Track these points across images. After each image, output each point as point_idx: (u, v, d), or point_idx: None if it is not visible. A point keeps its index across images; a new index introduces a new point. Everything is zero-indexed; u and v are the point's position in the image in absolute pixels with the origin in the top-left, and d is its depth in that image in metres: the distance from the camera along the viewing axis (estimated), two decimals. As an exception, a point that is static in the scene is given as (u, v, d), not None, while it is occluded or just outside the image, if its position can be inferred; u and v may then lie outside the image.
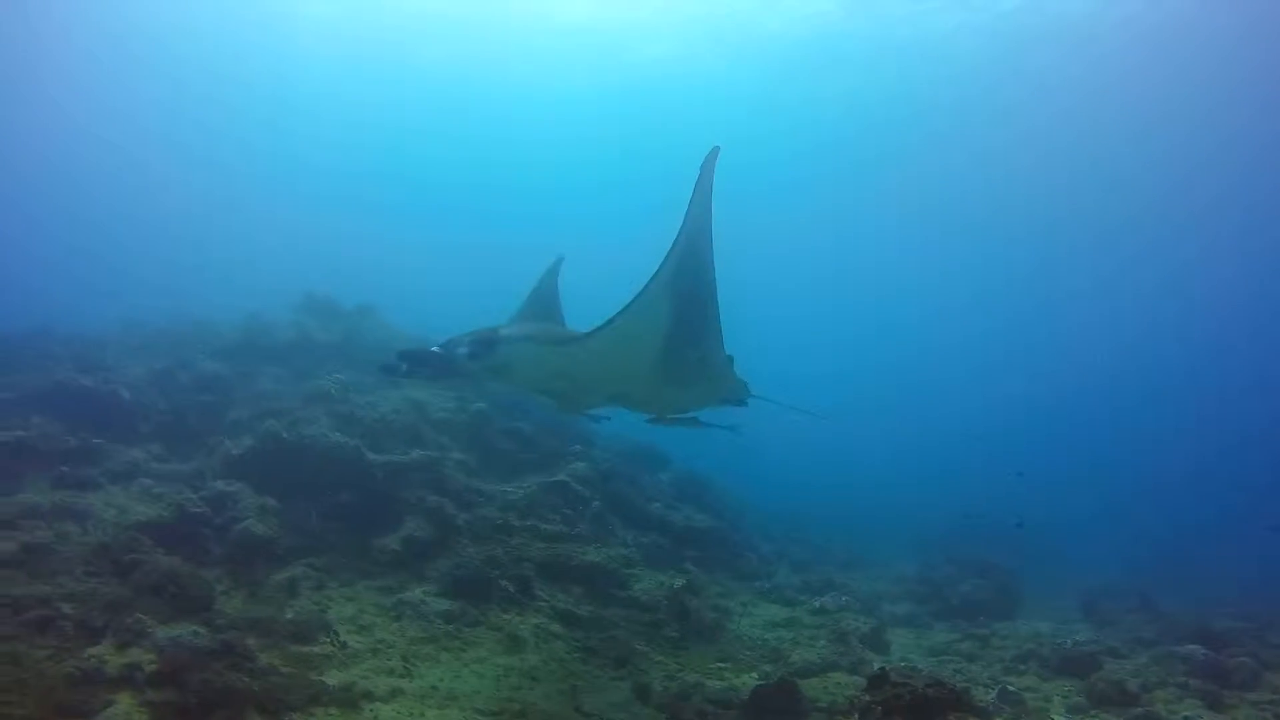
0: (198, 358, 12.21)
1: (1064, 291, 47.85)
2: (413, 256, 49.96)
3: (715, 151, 5.22)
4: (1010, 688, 7.88)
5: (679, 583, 9.17)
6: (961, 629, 10.68)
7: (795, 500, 19.06)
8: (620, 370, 6.10)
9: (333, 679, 5.97)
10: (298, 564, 7.87)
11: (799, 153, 43.66)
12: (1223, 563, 15.91)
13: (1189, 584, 13.93)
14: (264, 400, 10.62)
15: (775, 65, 33.89)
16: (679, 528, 11.56)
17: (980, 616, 11.19)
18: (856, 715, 6.01)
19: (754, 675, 7.69)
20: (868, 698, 5.74)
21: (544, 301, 7.77)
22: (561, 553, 8.95)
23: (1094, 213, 40.58)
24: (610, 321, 5.39)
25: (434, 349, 5.93)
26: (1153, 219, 39.18)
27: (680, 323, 5.64)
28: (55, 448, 9.17)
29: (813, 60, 32.83)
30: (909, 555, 14.98)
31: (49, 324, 13.94)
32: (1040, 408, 42.12)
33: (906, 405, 41.73)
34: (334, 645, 6.61)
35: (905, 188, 44.78)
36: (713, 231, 5.45)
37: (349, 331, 13.47)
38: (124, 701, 5.21)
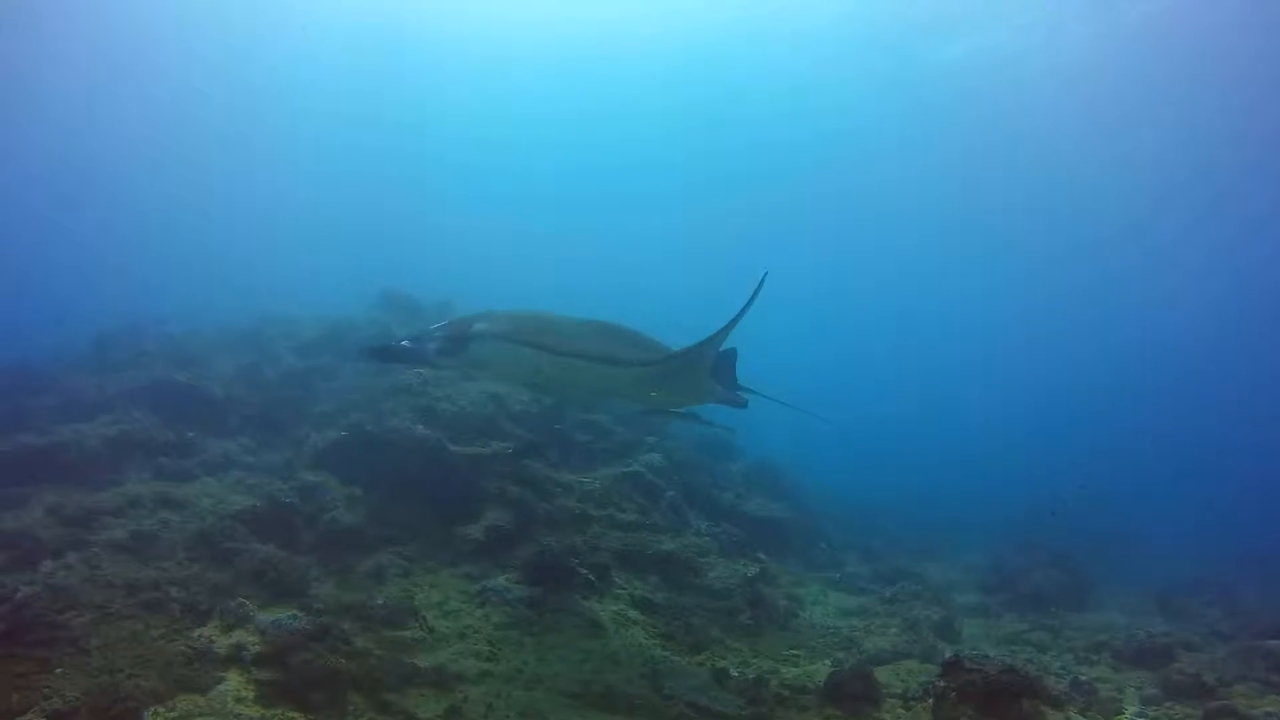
0: (283, 355, 12.66)
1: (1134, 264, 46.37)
2: (494, 247, 50.34)
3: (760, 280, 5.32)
4: (1082, 677, 7.84)
5: (752, 571, 9.25)
6: (1032, 619, 10.59)
7: (867, 491, 19.00)
8: (598, 385, 6.15)
9: (424, 661, 6.19)
10: (384, 552, 8.11)
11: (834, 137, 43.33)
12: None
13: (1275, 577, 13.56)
14: (348, 394, 10.95)
15: (806, 51, 33.86)
16: (751, 517, 11.64)
17: (1051, 607, 11.07)
18: (931, 701, 6.08)
19: (827, 662, 7.76)
20: (942, 683, 5.80)
21: None
22: (638, 541, 9.09)
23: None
24: (584, 358, 5.52)
25: (404, 343, 5.84)
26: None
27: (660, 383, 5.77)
28: (155, 440, 9.62)
29: (832, 48, 32.82)
30: (980, 545, 14.84)
31: (139, 322, 14.54)
32: (1121, 392, 41.19)
33: (972, 396, 41.09)
34: (423, 630, 6.83)
35: (950, 174, 44.02)
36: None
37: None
38: (233, 679, 5.52)
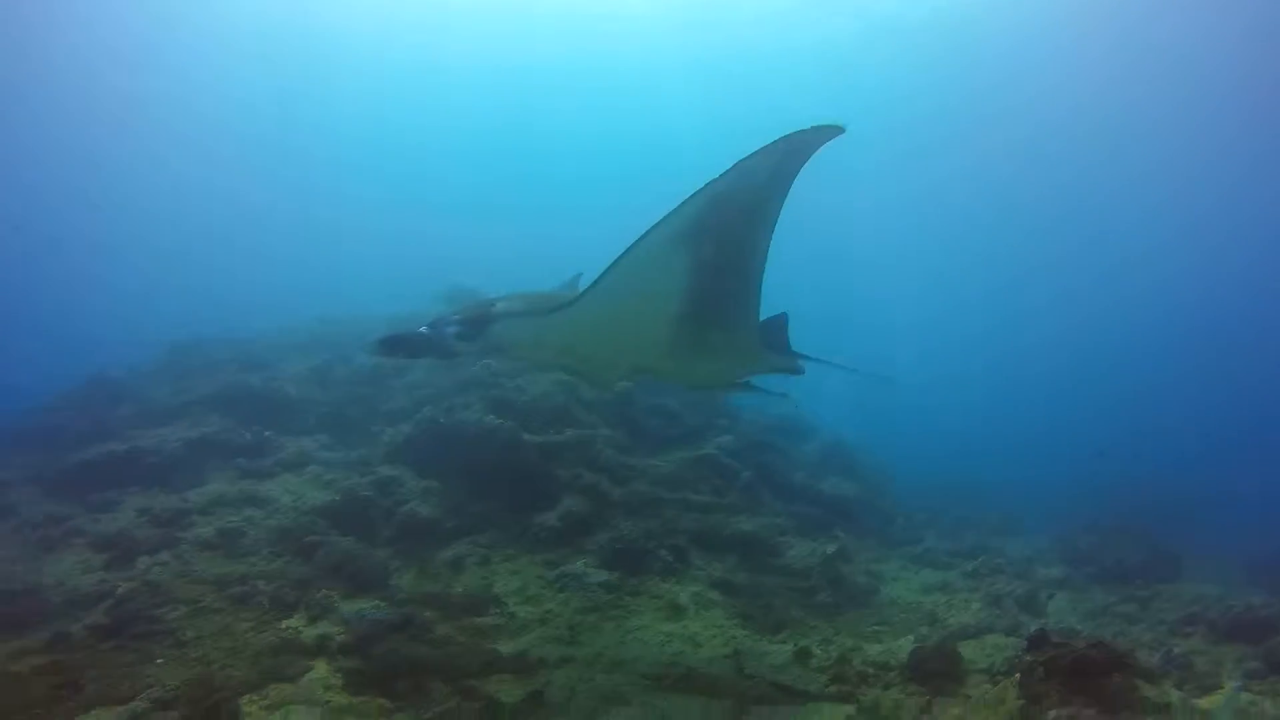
0: (353, 352, 12.83)
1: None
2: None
3: (831, 130, 4.17)
4: (1176, 650, 7.55)
5: (831, 549, 9.14)
6: (1120, 591, 10.22)
7: (945, 466, 18.68)
8: (628, 341, 5.38)
9: (505, 648, 6.21)
10: (462, 542, 8.20)
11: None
12: None
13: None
14: (419, 389, 11.06)
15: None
16: (827, 496, 11.50)
17: (1139, 579, 10.73)
18: (1017, 676, 5.92)
19: (910, 638, 7.62)
20: (1029, 658, 5.63)
21: None
22: (714, 523, 9.07)
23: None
24: (600, 278, 4.61)
25: (421, 330, 5.41)
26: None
27: (698, 293, 4.77)
28: (233, 442, 9.86)
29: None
30: (1063, 518, 14.46)
31: (208, 331, 14.93)
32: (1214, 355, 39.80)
33: (1058, 369, 40.06)
34: (503, 616, 6.86)
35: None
36: (779, 212, 4.52)
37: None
38: (320, 668, 5.60)
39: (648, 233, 4.32)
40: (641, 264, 4.49)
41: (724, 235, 4.51)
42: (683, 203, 4.24)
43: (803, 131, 4.15)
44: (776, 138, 4.15)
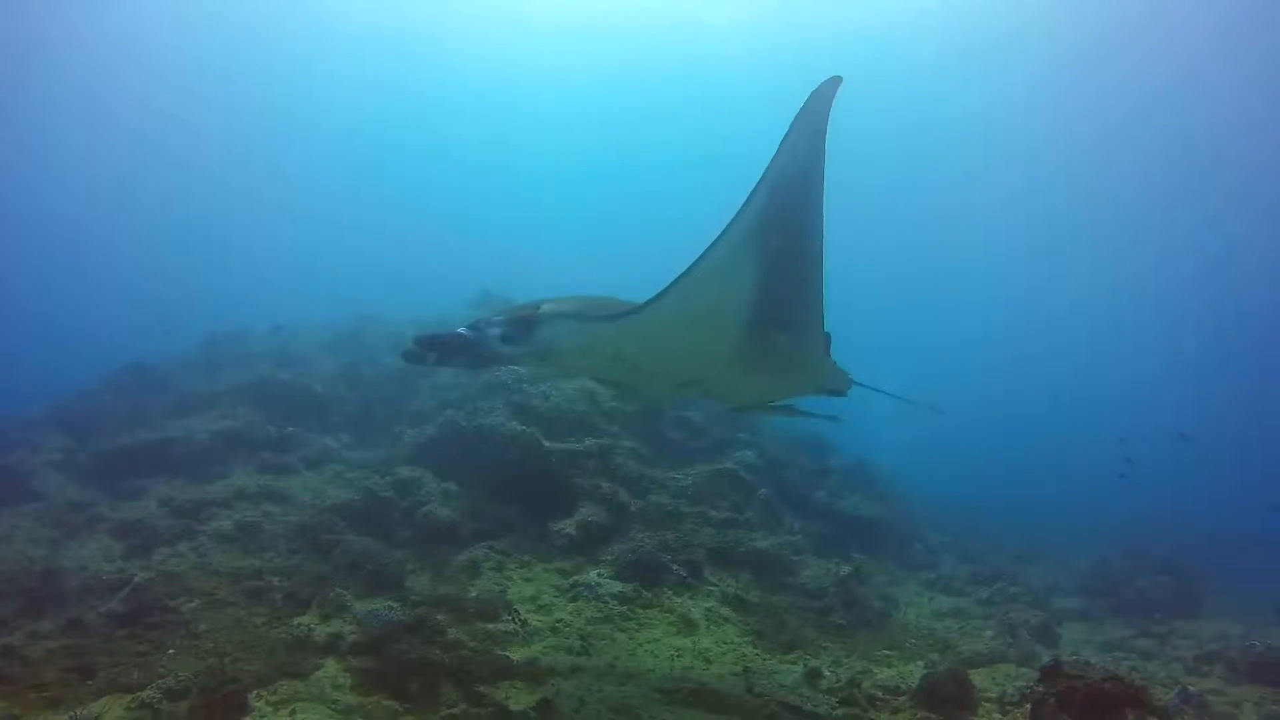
0: (381, 353, 12.95)
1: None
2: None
3: (835, 81, 4.13)
4: (1192, 689, 7.38)
5: (846, 570, 9.09)
6: (1138, 626, 10.09)
7: (968, 492, 18.51)
8: (690, 351, 5.05)
9: (517, 655, 6.20)
10: (479, 546, 8.20)
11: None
12: None
13: None
14: (443, 391, 11.12)
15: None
16: (846, 516, 11.41)
17: (1158, 614, 10.54)
18: (1029, 706, 5.84)
19: (921, 664, 7.54)
20: (1041, 689, 5.56)
21: None
22: (731, 539, 9.02)
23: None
24: (673, 284, 4.33)
25: (461, 331, 4.96)
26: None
27: (768, 291, 4.55)
28: (259, 436, 9.97)
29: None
30: (1083, 549, 14.26)
31: (246, 324, 15.11)
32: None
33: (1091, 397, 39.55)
34: (516, 623, 6.85)
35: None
36: (824, 179, 4.32)
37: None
38: (331, 666, 5.62)
39: (725, 231, 4.19)
40: (720, 264, 4.33)
41: (786, 221, 4.35)
42: (750, 195, 4.13)
43: (814, 92, 4.12)
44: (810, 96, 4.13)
